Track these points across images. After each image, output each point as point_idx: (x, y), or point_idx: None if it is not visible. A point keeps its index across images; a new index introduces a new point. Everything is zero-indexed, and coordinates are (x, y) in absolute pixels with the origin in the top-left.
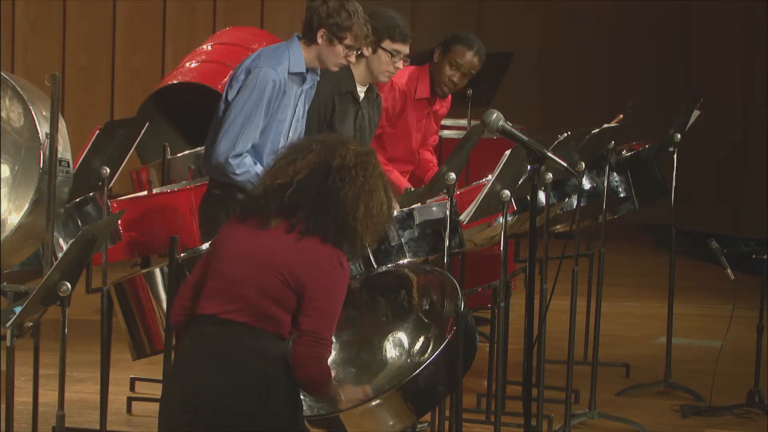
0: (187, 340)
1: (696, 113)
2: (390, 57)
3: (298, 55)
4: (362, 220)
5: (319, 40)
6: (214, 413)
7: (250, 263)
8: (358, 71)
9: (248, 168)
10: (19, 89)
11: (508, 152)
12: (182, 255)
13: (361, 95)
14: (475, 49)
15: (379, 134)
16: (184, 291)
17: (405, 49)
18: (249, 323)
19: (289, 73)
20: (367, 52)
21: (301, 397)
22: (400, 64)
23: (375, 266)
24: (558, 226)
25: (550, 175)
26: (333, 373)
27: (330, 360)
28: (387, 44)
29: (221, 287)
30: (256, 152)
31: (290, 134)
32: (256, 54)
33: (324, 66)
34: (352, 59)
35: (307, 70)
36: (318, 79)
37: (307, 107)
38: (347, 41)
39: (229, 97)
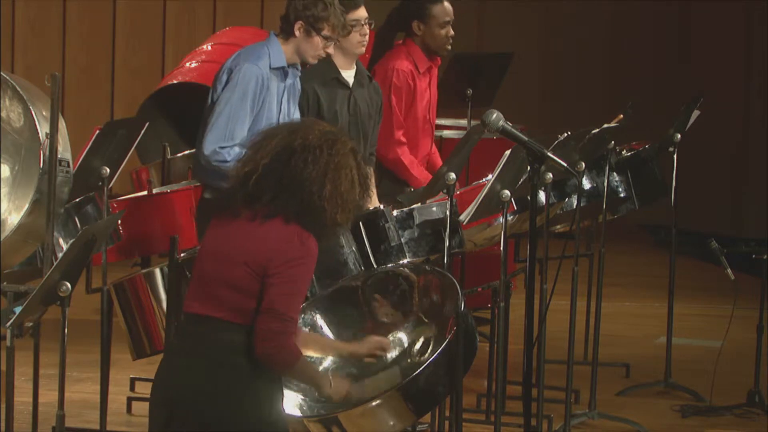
0: (174, 336)
1: (696, 113)
2: (352, 29)
3: (277, 51)
4: (330, 199)
5: (297, 33)
6: (190, 407)
7: (219, 259)
8: (336, 57)
9: (238, 156)
10: (19, 89)
11: (508, 152)
12: (182, 255)
13: (351, 80)
14: None
15: (407, 123)
16: None
17: (360, 13)
18: (227, 319)
19: (270, 68)
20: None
21: (301, 397)
22: (366, 29)
23: (375, 266)
24: (558, 226)
25: (550, 175)
26: (332, 376)
27: (330, 360)
28: None
29: (199, 286)
30: None
31: None
32: (236, 54)
33: (303, 60)
34: (330, 50)
35: (288, 66)
36: (299, 74)
37: (294, 104)
38: (325, 32)
39: (213, 98)
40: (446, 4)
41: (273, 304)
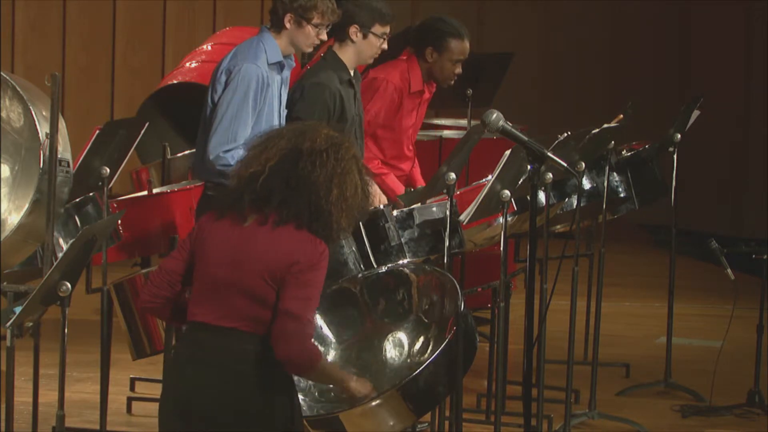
0: (182, 345)
1: (696, 113)
2: (380, 40)
3: (272, 46)
4: (336, 203)
5: (288, 25)
6: (209, 419)
7: (232, 266)
8: (347, 57)
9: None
10: (19, 89)
11: (508, 152)
12: None
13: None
14: (465, 36)
15: (377, 136)
16: (159, 277)
17: (388, 29)
18: (240, 328)
19: (268, 64)
20: (356, 38)
21: (301, 397)
22: (385, 45)
23: (375, 266)
24: (558, 226)
25: (550, 175)
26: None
27: (330, 360)
28: (377, 29)
29: (209, 293)
30: None
31: (280, 123)
32: (231, 53)
33: (298, 50)
34: (324, 36)
35: (283, 57)
36: (294, 65)
37: (285, 96)
38: (315, 20)
39: (214, 99)
40: (466, 43)
41: (288, 307)
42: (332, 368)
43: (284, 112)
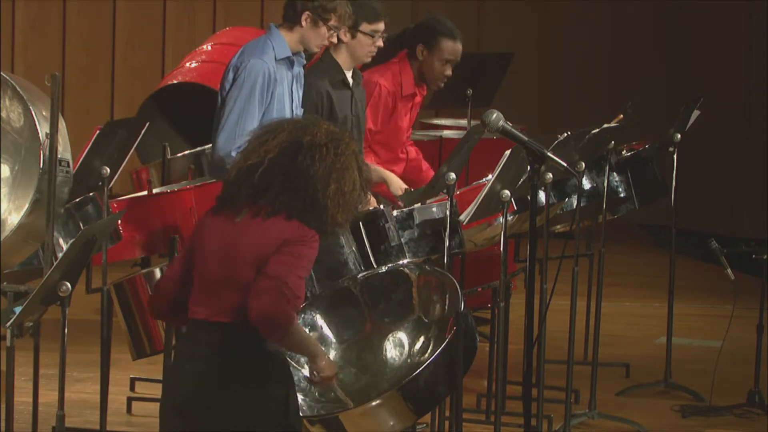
0: (182, 344)
1: (696, 113)
2: (370, 38)
3: (280, 42)
4: (333, 198)
5: (303, 23)
6: (209, 417)
7: (225, 262)
8: (342, 58)
9: None
10: (19, 89)
11: (508, 152)
12: None
13: (350, 81)
14: (458, 37)
15: (369, 139)
16: (165, 287)
17: (381, 26)
18: (238, 323)
19: (276, 60)
20: (345, 38)
21: (301, 398)
22: (380, 42)
23: (375, 266)
24: (558, 226)
25: (550, 175)
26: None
27: (331, 359)
28: (365, 27)
29: (206, 289)
30: None
31: None
32: (240, 51)
33: (307, 48)
34: (334, 39)
35: (293, 54)
36: (304, 62)
37: (301, 92)
38: (332, 22)
39: (223, 96)
40: (458, 45)
41: (267, 269)
42: (307, 337)
43: (297, 109)
